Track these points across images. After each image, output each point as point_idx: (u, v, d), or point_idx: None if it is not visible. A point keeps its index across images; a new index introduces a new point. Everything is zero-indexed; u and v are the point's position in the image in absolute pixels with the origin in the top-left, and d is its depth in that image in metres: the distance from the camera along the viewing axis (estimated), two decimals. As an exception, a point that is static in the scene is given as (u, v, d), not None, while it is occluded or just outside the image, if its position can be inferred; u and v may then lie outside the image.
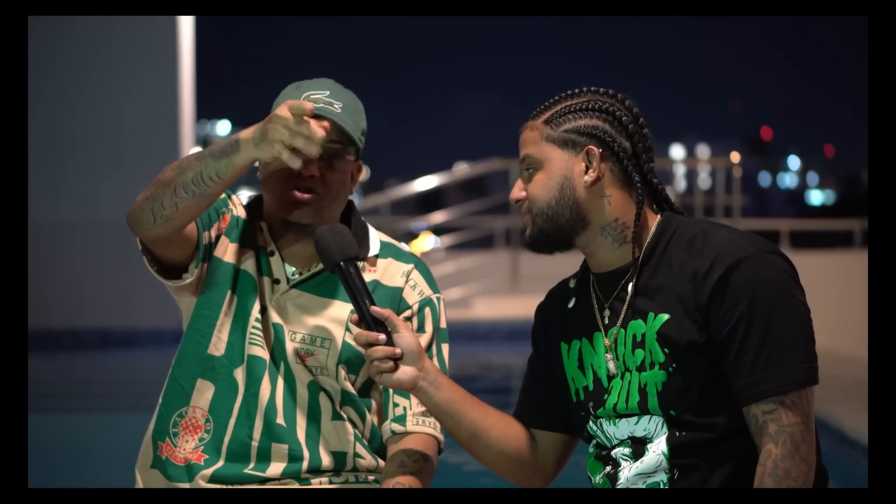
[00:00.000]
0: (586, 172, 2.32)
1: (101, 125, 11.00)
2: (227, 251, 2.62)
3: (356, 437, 2.59)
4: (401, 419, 2.58)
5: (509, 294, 12.59)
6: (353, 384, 2.60)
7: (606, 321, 2.36)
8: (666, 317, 2.26)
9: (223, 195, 2.67)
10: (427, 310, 2.66)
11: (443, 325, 2.68)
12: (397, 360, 2.34)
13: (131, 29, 10.88)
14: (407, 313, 2.65)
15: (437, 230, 16.90)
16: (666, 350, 2.25)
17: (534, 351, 2.53)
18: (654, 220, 2.36)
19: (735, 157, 13.61)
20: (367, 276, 2.63)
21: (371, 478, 2.62)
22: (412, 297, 2.65)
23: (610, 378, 2.34)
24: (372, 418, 2.63)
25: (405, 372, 2.35)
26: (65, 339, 10.64)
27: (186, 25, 11.26)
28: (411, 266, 2.68)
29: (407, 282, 2.65)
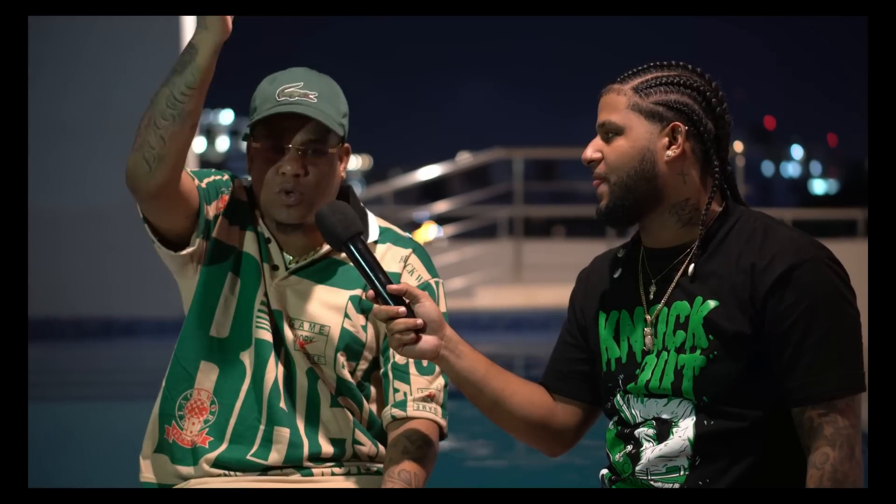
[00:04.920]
0: (668, 148, 2.30)
1: (103, 113, 10.99)
2: (227, 233, 2.62)
3: (355, 423, 2.59)
4: (401, 404, 2.56)
5: (512, 284, 12.59)
6: (351, 373, 2.60)
7: (651, 297, 2.35)
8: (714, 304, 2.26)
9: (226, 176, 2.66)
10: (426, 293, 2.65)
11: (442, 308, 2.66)
12: (419, 331, 2.33)
13: (133, 20, 10.86)
14: None
15: (440, 220, 16.89)
16: (711, 337, 2.25)
17: (569, 314, 2.51)
18: (718, 206, 2.35)
19: (738, 146, 13.60)
20: None
21: (374, 468, 2.62)
22: (410, 283, 2.62)
23: (644, 354, 2.34)
24: (370, 406, 2.63)
25: (427, 342, 2.33)
26: (67, 327, 10.64)
27: (188, 16, 11.26)
28: (409, 251, 2.67)
29: (405, 267, 2.65)
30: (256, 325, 2.58)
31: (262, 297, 2.59)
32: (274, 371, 2.57)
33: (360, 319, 2.61)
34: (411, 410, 2.56)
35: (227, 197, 2.64)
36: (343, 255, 2.57)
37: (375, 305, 2.34)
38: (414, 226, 19.50)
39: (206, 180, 2.62)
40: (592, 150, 2.34)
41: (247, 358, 2.58)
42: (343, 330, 2.59)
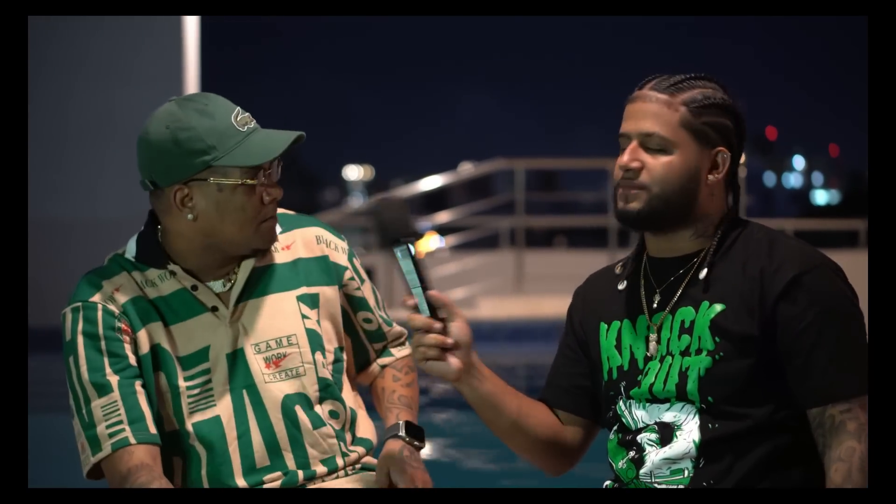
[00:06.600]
0: (711, 172, 2.33)
1: (104, 122, 11.00)
2: (142, 342, 2.46)
3: (339, 435, 2.54)
4: (385, 353, 2.70)
5: (513, 294, 12.59)
6: (329, 369, 2.55)
7: (655, 305, 2.35)
8: (721, 307, 2.27)
9: (99, 308, 2.45)
10: (354, 259, 2.66)
11: (363, 274, 2.68)
12: (445, 349, 2.26)
13: (136, 25, 10.87)
14: (347, 274, 2.62)
15: (442, 230, 16.87)
16: (717, 339, 2.26)
17: (567, 328, 2.51)
18: (725, 219, 2.37)
19: (740, 156, 13.61)
20: (288, 257, 2.57)
21: (360, 465, 2.59)
22: (340, 258, 2.62)
23: (647, 360, 2.34)
24: (349, 404, 2.58)
25: (453, 363, 2.27)
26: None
27: (191, 23, 11.27)
28: (318, 228, 2.63)
29: (327, 246, 2.61)
30: (190, 411, 2.47)
31: (183, 381, 2.47)
32: (236, 438, 2.48)
33: (314, 314, 2.56)
34: (396, 353, 2.71)
35: (124, 322, 2.46)
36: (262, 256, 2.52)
37: (411, 314, 2.27)
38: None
39: (114, 370, 2.43)
40: (632, 159, 2.32)
41: (197, 444, 2.48)
42: (308, 331, 2.53)
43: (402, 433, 2.56)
